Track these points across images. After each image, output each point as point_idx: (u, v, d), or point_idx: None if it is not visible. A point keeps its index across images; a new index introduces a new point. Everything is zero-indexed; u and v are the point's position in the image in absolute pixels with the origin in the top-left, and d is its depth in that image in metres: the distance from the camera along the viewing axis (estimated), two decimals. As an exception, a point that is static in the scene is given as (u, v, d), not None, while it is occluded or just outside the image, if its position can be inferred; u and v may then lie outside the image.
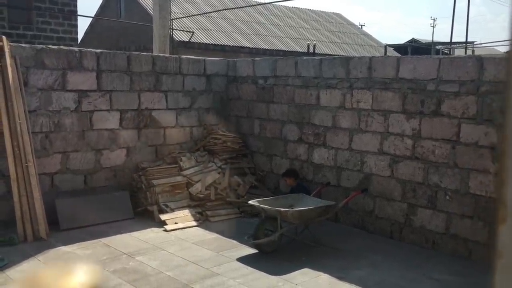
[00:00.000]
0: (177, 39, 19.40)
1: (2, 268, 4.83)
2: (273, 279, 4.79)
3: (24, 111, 5.91)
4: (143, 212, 6.76)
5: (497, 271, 0.55)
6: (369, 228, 6.38)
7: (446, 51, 31.84)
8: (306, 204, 5.76)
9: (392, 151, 6.10)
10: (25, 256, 5.18)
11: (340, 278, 4.83)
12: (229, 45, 21.19)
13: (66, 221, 6.11)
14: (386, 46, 28.71)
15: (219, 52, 19.25)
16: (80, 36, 20.84)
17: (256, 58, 8.05)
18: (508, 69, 0.55)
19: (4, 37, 5.94)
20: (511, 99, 0.52)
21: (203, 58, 8.14)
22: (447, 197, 5.59)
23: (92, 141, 6.77)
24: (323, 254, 5.53)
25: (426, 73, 5.71)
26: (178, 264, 5.13)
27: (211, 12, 21.23)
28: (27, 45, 6.30)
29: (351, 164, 6.55)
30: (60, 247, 5.50)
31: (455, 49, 32.41)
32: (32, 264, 4.99)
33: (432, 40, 32.65)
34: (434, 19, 71.45)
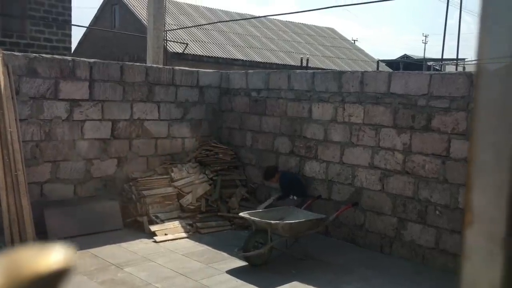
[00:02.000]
0: (171, 50, 19.47)
1: (-12, 277, 4.77)
2: (262, 292, 4.76)
3: (15, 120, 5.88)
4: (133, 223, 6.72)
5: (464, 272, 0.58)
6: (359, 242, 6.38)
7: (438, 68, 32.21)
8: (297, 217, 5.76)
9: (383, 165, 6.13)
10: (12, 266, 5.10)
11: (330, 292, 4.82)
12: (223, 57, 21.29)
13: (55, 231, 6.05)
14: (378, 61, 28.99)
15: (213, 64, 19.32)
16: (74, 45, 20.84)
17: (249, 71, 8.10)
18: (476, 83, 0.58)
19: (-3, 45, 5.93)
20: (478, 107, 0.55)
21: (197, 69, 8.18)
22: (437, 212, 5.62)
23: (83, 150, 6.73)
24: (313, 267, 5.51)
25: (417, 88, 5.77)
26: (167, 275, 5.09)
27: (205, 24, 21.35)
28: (20, 54, 6.29)
29: (342, 178, 6.57)
30: (48, 257, 5.43)
31: (446, 66, 32.79)
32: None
33: (424, 56, 33.03)
34: (425, 36, 72.49)
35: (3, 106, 5.73)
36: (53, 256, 0.44)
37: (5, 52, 6.04)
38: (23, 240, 5.62)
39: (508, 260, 0.54)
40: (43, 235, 5.93)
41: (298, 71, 7.39)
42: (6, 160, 5.70)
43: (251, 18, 25.35)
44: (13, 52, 6.33)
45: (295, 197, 6.52)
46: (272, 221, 5.44)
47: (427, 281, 5.21)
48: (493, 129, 0.54)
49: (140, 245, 6.04)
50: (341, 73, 6.69)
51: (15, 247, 5.50)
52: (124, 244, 6.00)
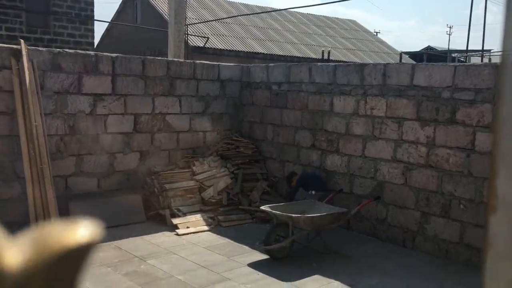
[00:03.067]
0: (192, 44, 19.53)
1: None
2: (283, 285, 4.77)
3: (40, 114, 5.99)
4: (155, 216, 6.79)
5: (488, 260, 0.57)
6: (381, 236, 6.32)
7: (462, 59, 31.58)
8: (318, 211, 5.73)
9: (406, 158, 6.05)
10: (38, 257, 5.22)
11: (351, 285, 4.80)
12: (244, 51, 21.27)
13: (79, 223, 6.15)
14: (401, 53, 28.56)
15: (234, 58, 19.32)
16: (96, 40, 21.10)
17: (270, 64, 8.07)
18: (500, 73, 0.56)
19: (22, 41, 6.04)
20: (502, 94, 0.53)
21: (217, 63, 8.19)
22: (461, 206, 5.53)
23: (106, 144, 6.83)
24: (335, 261, 5.49)
25: (441, 80, 5.66)
26: (189, 268, 5.14)
27: (226, 18, 21.35)
28: (44, 49, 6.39)
29: (364, 171, 6.51)
30: (73, 249, 5.53)
31: (471, 57, 32.13)
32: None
33: (448, 47, 32.42)
34: (450, 27, 71.01)
35: (28, 101, 5.84)
36: (79, 231, 0.44)
37: (29, 47, 6.15)
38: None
39: None
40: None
41: (319, 64, 7.34)
42: (32, 153, 5.81)
43: (271, 11, 25.26)
44: (37, 48, 6.44)
45: (313, 192, 6.49)
46: (293, 215, 5.43)
47: (450, 276, 5.14)
48: None
49: (163, 237, 6.11)
50: (363, 66, 6.61)
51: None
52: (147, 237, 6.07)
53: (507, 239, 0.52)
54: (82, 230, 0.45)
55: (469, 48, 31.30)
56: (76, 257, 0.44)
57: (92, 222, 0.47)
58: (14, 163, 6.01)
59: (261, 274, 5.02)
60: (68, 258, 0.43)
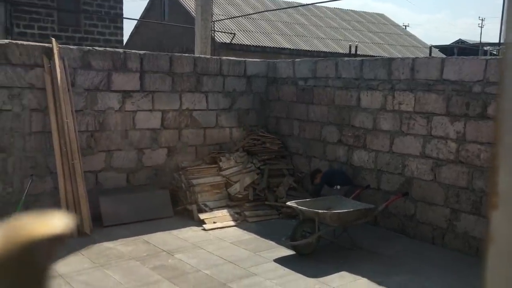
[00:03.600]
0: (218, 40, 19.62)
1: (48, 261, 5.02)
2: (310, 281, 4.77)
3: (71, 111, 6.13)
4: (183, 211, 6.88)
5: (489, 256, 0.56)
6: (409, 232, 6.24)
7: (495, 52, 30.73)
8: (345, 207, 5.70)
9: (435, 154, 5.94)
10: (70, 250, 5.36)
11: (379, 283, 4.75)
12: (270, 47, 21.23)
13: (109, 218, 6.29)
14: (431, 47, 27.99)
15: (260, 54, 19.31)
16: (125, 38, 21.42)
17: (296, 59, 8.04)
18: (502, 62, 0.55)
19: (53, 39, 6.19)
20: (505, 87, 0.52)
21: (244, 59, 8.20)
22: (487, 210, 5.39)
23: (135, 140, 6.94)
24: (362, 258, 5.45)
25: (472, 74, 5.54)
26: (216, 263, 5.19)
27: (252, 13, 21.34)
28: (74, 47, 6.53)
29: (392, 167, 6.43)
30: (103, 243, 5.67)
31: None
32: (76, 258, 5.17)
33: (480, 40, 31.62)
34: (482, 19, 69.18)
35: (60, 98, 5.99)
36: (51, 222, 0.46)
37: (61, 46, 6.29)
38: (79, 225, 5.89)
39: None
40: (98, 221, 6.19)
41: (346, 58, 7.27)
42: (63, 149, 5.96)
43: (298, 6, 25.11)
44: (68, 46, 6.59)
45: (338, 187, 6.45)
46: (320, 211, 5.41)
47: (481, 274, 5.03)
48: None
49: (190, 232, 6.18)
50: (390, 60, 6.51)
51: (72, 232, 5.77)
52: (174, 232, 6.16)
53: (508, 236, 0.51)
54: (53, 222, 0.46)
55: (501, 41, 30.43)
56: (46, 247, 0.45)
57: (63, 215, 0.48)
58: (47, 158, 6.18)
59: (287, 270, 5.03)
60: (38, 248, 0.45)
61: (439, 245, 5.91)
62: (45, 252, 0.46)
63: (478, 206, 5.55)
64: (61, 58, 6.16)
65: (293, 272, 4.97)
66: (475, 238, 5.57)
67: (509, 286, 0.53)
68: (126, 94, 6.80)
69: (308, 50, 22.15)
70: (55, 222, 0.46)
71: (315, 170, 7.08)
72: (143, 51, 7.08)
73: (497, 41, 31.59)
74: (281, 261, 5.28)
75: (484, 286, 0.57)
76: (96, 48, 6.71)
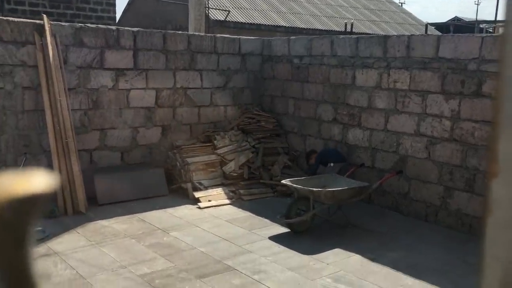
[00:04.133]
0: (212, 18, 19.38)
1: (44, 239, 5.04)
2: (304, 258, 4.81)
3: (64, 89, 6.07)
4: (177, 189, 6.89)
5: (488, 226, 0.55)
6: (403, 210, 6.29)
7: (491, 30, 30.58)
8: (339, 185, 5.72)
9: (429, 132, 5.95)
10: (65, 229, 5.38)
11: (372, 259, 4.81)
12: (265, 24, 21.01)
13: (104, 196, 6.30)
14: (427, 24, 27.79)
15: (255, 31, 19.10)
16: (118, 15, 21.11)
17: (292, 37, 7.96)
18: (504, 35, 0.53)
19: (45, 16, 6.09)
20: (506, 55, 0.51)
21: (238, 37, 8.12)
22: (486, 181, 5.43)
23: (129, 119, 6.90)
24: (356, 235, 5.50)
25: (467, 52, 5.51)
26: (211, 240, 5.22)
27: (247, -10, 21.01)
28: (66, 24, 6.43)
29: (386, 145, 6.45)
30: (98, 221, 5.68)
31: (500, 28, 31.08)
32: (72, 236, 5.18)
33: (476, 18, 31.40)
34: (478, -3, 68.56)
35: (52, 76, 5.92)
36: (32, 180, 0.44)
37: (52, 22, 6.19)
38: (74, 204, 5.89)
39: None
40: (93, 200, 6.19)
41: (341, 36, 7.20)
42: (57, 128, 5.92)
43: (293, -18, 24.73)
44: (60, 23, 6.48)
45: (331, 164, 6.47)
46: (315, 189, 5.43)
47: (474, 250, 5.10)
48: None
49: (185, 210, 6.20)
50: (386, 38, 6.46)
51: (67, 211, 5.78)
52: (169, 210, 6.18)
53: (508, 205, 0.51)
54: (34, 180, 0.44)
55: (498, 18, 30.25)
56: (26, 207, 0.44)
57: (45, 173, 0.46)
58: (40, 136, 6.14)
59: (281, 247, 5.07)
60: (16, 207, 0.43)
61: (432, 222, 5.97)
62: (24, 212, 0.44)
63: (471, 183, 5.59)
64: (53, 35, 6.07)
65: (287, 249, 5.02)
66: (468, 215, 5.63)
67: (509, 253, 0.53)
68: (119, 72, 6.73)
69: (304, 28, 21.94)
70: (36, 180, 0.44)
71: (310, 151, 7.09)
72: (136, 28, 6.99)
73: (493, 18, 31.41)
74: (276, 238, 5.32)
75: (483, 254, 0.56)
76: (89, 25, 6.61)
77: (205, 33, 10.28)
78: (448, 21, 37.54)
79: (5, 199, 0.42)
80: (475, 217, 5.56)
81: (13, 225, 0.43)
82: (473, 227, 5.58)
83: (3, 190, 0.42)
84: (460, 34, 5.79)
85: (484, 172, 5.45)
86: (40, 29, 5.99)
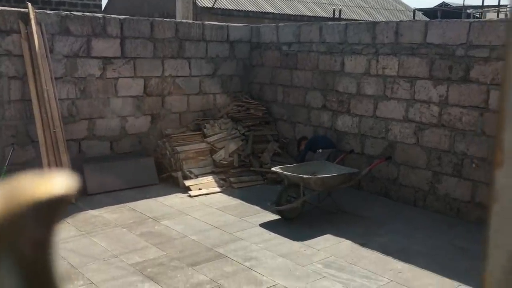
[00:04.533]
0: (200, 5, 19.20)
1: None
2: (295, 244, 4.85)
3: (51, 78, 6.00)
4: (168, 178, 6.88)
5: (492, 214, 0.56)
6: (392, 196, 6.35)
7: (478, 15, 30.70)
8: (329, 172, 5.76)
9: (417, 118, 6.00)
10: (55, 219, 5.34)
11: (362, 244, 4.86)
12: (253, 11, 20.87)
13: (94, 186, 6.27)
14: (414, 10, 27.82)
15: (243, 18, 18.98)
16: (104, 2, 20.81)
17: (280, 24, 7.93)
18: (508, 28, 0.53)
19: (29, 4, 5.99)
20: (509, 47, 0.51)
21: (226, 24, 8.06)
22: (473, 165, 5.51)
23: (117, 108, 6.85)
24: (346, 221, 5.55)
25: (455, 37, 5.53)
26: (202, 228, 5.24)
27: (234, -24, 20.82)
28: (51, 12, 6.33)
29: (375, 132, 6.48)
30: (88, 211, 5.66)
31: (487, 13, 31.21)
32: (62, 227, 5.16)
33: (463, 3, 31.45)
34: (466, -18, 68.65)
35: (38, 65, 5.84)
36: (54, 183, 0.43)
37: (37, 10, 6.09)
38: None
39: None
40: (83, 190, 6.16)
41: (330, 23, 7.19)
42: (44, 117, 5.86)
43: (281, -32, 24.53)
44: (45, 11, 6.38)
45: (320, 150, 6.50)
46: (304, 176, 5.46)
47: (461, 234, 5.18)
48: None
49: (176, 199, 6.21)
50: (374, 24, 6.46)
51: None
52: (160, 199, 6.17)
53: None
54: (56, 183, 0.44)
55: (484, 4, 30.38)
56: (48, 209, 0.43)
57: (68, 175, 0.46)
58: (28, 127, 6.08)
59: (272, 234, 5.11)
60: (39, 209, 0.42)
61: (421, 207, 6.04)
62: (48, 216, 0.43)
63: (459, 168, 5.65)
64: (38, 23, 5.97)
65: (278, 236, 5.05)
66: (456, 199, 5.70)
67: None
68: (107, 60, 6.66)
69: (292, 15, 21.84)
70: (57, 182, 0.44)
71: (301, 138, 7.12)
72: (123, 16, 6.90)
73: (480, 3, 31.51)
74: (267, 225, 5.35)
75: (487, 242, 0.56)
76: (74, 13, 6.51)
77: (193, 20, 10.19)
78: (435, 6, 37.57)
79: (27, 203, 0.41)
80: (462, 201, 5.64)
81: (36, 230, 0.42)
82: (461, 211, 5.66)
83: (25, 193, 0.41)
84: (447, 20, 5.81)
85: (472, 157, 5.51)
86: (25, 18, 5.90)
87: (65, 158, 5.90)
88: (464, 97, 5.52)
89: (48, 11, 6.37)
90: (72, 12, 6.51)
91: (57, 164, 5.88)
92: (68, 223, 5.29)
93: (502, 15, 28.37)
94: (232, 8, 20.33)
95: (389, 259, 4.54)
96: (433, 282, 4.13)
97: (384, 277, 4.18)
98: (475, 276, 3.94)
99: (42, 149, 5.84)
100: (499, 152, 0.52)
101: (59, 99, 6.16)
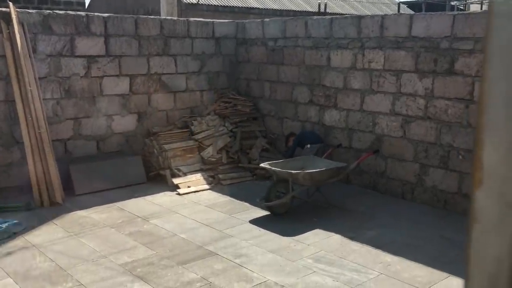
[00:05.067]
0: (185, 1, 19.08)
1: (21, 232, 4.96)
2: (285, 240, 4.86)
3: (34, 78, 5.92)
4: (156, 177, 6.84)
5: (473, 236, 0.54)
6: (380, 189, 6.39)
7: (462, 7, 30.93)
8: (317, 166, 5.77)
9: (404, 111, 6.03)
10: (42, 221, 5.30)
11: (352, 238, 4.89)
12: (238, 6, 20.80)
13: (81, 186, 6.21)
14: (399, 3, 27.95)
15: (229, 14, 18.92)
16: (88, 0, 20.57)
17: (266, 19, 7.90)
18: (489, 25, 0.52)
19: (11, 3, 5.89)
20: (488, 54, 0.50)
21: (212, 20, 8.02)
22: (460, 157, 5.55)
23: (103, 106, 6.79)
24: (335, 215, 5.57)
25: (440, 30, 5.56)
26: (191, 226, 5.22)
27: (219, -28, 20.72)
28: (34, 11, 6.24)
29: (363, 125, 6.51)
30: (76, 212, 5.61)
31: (471, 5, 31.46)
32: (50, 228, 5.11)
33: (447, -4, 31.65)
34: (449, -26, 69.07)
35: (21, 65, 5.76)
36: None
37: (19, 10, 6.00)
38: (50, 195, 5.79)
39: None
40: (70, 190, 6.10)
41: (315, 17, 7.18)
42: (29, 118, 5.78)
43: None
44: (27, 10, 6.29)
45: (308, 146, 6.51)
46: (293, 171, 5.46)
47: (449, 225, 5.23)
48: (505, 77, 0.48)
49: (164, 197, 6.17)
50: (360, 18, 6.47)
51: (44, 202, 5.69)
52: (148, 197, 6.14)
53: (494, 214, 0.49)
54: None
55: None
56: None
57: None
58: (12, 128, 6.00)
59: (262, 230, 5.11)
60: None
61: (409, 199, 6.09)
62: None
63: (445, 160, 5.70)
64: (20, 23, 5.89)
65: (268, 232, 5.05)
66: (443, 191, 5.75)
67: (496, 266, 0.51)
68: (91, 59, 6.59)
69: (278, 9, 21.81)
70: None
71: (289, 134, 7.12)
72: (107, 14, 6.83)
73: (464, -4, 31.69)
74: (256, 222, 5.35)
75: (468, 267, 0.55)
76: (57, 11, 6.42)
77: (178, 17, 10.12)
78: (420, -1, 37.73)
79: None
80: (449, 192, 5.69)
81: None
82: (448, 202, 5.71)
83: None
84: (432, 13, 5.83)
85: (458, 149, 5.56)
86: (7, 17, 5.80)
87: (51, 158, 5.83)
88: (450, 89, 5.56)
89: (30, 10, 6.28)
90: (54, 11, 6.42)
91: (43, 165, 5.81)
92: (56, 224, 5.23)
93: (485, 7, 28.59)
94: (217, 4, 20.24)
95: (378, 252, 4.57)
96: (422, 274, 4.16)
97: (374, 270, 4.21)
98: (464, 266, 3.97)
99: (28, 150, 5.77)
100: (478, 171, 0.50)
101: (43, 99, 6.09)
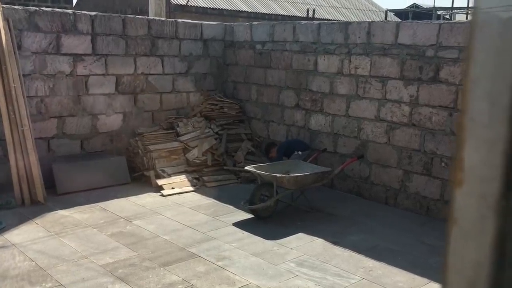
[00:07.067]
0: (174, 2, 19.02)
1: (1, 230, 4.88)
2: (268, 243, 4.86)
3: (19, 75, 5.84)
4: (140, 177, 6.79)
5: (452, 238, 0.54)
6: (364, 194, 6.43)
7: (448, 16, 31.37)
8: (302, 170, 5.79)
9: (389, 117, 6.08)
10: (23, 220, 5.22)
11: (334, 242, 4.91)
12: (227, 9, 20.81)
13: (63, 186, 6.14)
14: (386, 11, 28.25)
15: (217, 16, 18.91)
16: (75, -2, 20.38)
17: (254, 23, 7.92)
18: (472, 29, 0.53)
19: (-5, -1, 5.81)
20: (472, 52, 0.51)
21: (200, 22, 8.01)
22: (443, 164, 5.62)
23: (88, 105, 6.73)
24: (318, 219, 5.59)
25: (425, 38, 5.63)
26: (174, 228, 5.19)
27: (208, -26, 20.70)
28: (19, 7, 6.17)
29: (348, 131, 6.55)
30: (58, 211, 5.54)
31: (457, 15, 31.93)
32: (30, 227, 5.04)
33: (434, 5, 32.08)
34: (436, -16, 69.99)
35: (5, 61, 5.68)
36: None
37: (4, 5, 5.92)
38: (32, 194, 5.72)
39: (500, 225, 0.49)
40: (52, 190, 6.03)
41: (303, 22, 7.22)
42: (12, 116, 5.71)
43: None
44: (13, 6, 6.21)
45: (299, 152, 6.52)
46: (278, 175, 5.47)
47: (431, 232, 5.28)
48: (489, 76, 0.49)
49: (148, 198, 6.13)
50: (347, 24, 6.52)
51: (25, 201, 5.61)
52: (132, 198, 6.09)
53: (473, 215, 0.49)
54: None
55: (454, 5, 31.04)
56: None
57: None
58: (-6, 125, 5.90)
59: (245, 233, 5.10)
60: None
61: (392, 205, 6.14)
62: None
63: (429, 167, 5.76)
64: (5, 19, 5.81)
65: (251, 235, 5.05)
66: (426, 197, 5.81)
67: (476, 270, 0.51)
68: (77, 57, 6.53)
69: (266, 13, 21.87)
70: None
71: (269, 144, 7.01)
72: (94, 12, 6.78)
73: (449, 5, 32.15)
74: (240, 224, 5.34)
75: (446, 272, 0.55)
76: (43, 8, 6.36)
77: (166, 17, 10.08)
78: (407, 7, 38.19)
79: None
80: (432, 199, 5.75)
81: None
82: (430, 209, 5.77)
83: None
84: (418, 21, 5.91)
85: (441, 156, 5.63)
86: (-9, 13, 5.72)
87: (33, 157, 5.75)
88: (434, 97, 5.62)
89: (16, 7, 6.20)
90: (41, 8, 6.36)
91: (25, 163, 5.73)
92: (37, 223, 5.16)
93: (471, 17, 28.99)
94: (206, 6, 20.22)
95: (360, 257, 4.60)
96: (404, 279, 4.19)
97: (356, 275, 4.23)
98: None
99: (9, 148, 5.68)
100: (459, 171, 0.50)
101: (27, 96, 6.01)
